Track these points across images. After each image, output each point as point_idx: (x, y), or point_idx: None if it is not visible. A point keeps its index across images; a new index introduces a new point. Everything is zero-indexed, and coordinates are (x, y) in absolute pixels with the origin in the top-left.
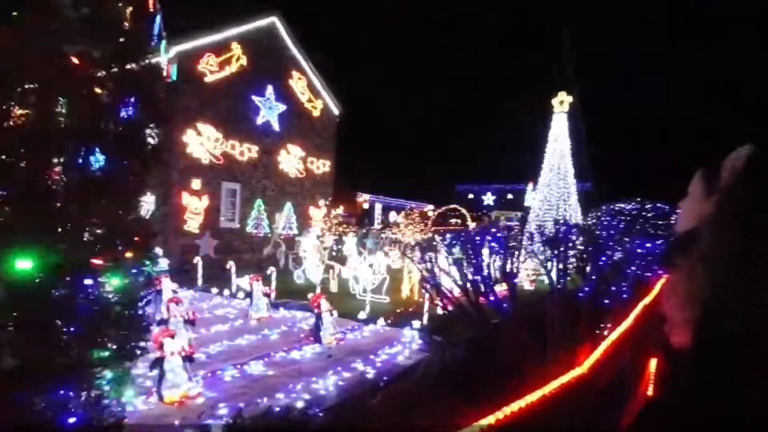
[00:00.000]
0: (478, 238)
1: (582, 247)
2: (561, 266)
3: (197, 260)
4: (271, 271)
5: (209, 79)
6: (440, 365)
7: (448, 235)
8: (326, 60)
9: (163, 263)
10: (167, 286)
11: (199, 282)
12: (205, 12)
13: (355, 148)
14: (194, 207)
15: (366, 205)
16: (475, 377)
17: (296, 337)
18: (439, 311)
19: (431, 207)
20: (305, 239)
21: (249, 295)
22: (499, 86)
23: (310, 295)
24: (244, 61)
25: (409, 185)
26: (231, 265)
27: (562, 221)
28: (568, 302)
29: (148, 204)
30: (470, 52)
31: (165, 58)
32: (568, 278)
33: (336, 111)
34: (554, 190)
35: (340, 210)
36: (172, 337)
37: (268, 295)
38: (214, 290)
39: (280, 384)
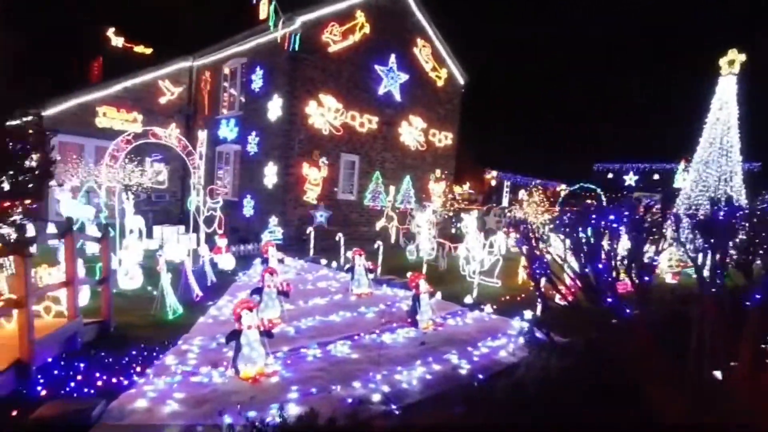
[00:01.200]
0: (596, 217)
1: (747, 237)
2: (719, 260)
3: (310, 231)
4: (378, 245)
5: (332, 48)
6: (540, 372)
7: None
8: (455, 27)
9: (278, 232)
10: (273, 254)
11: (311, 253)
12: None
13: (485, 122)
14: (313, 178)
15: (494, 183)
16: (575, 401)
17: (392, 317)
18: (558, 301)
19: (564, 186)
20: (420, 214)
21: (351, 269)
22: (649, 50)
23: (408, 274)
24: (367, 29)
25: (543, 163)
26: (340, 237)
27: (723, 202)
28: (726, 308)
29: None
30: (612, 14)
31: (280, 31)
32: (726, 276)
33: (461, 81)
34: (713, 168)
35: (467, 187)
36: (251, 309)
37: (371, 271)
38: (323, 262)
39: (360, 371)
